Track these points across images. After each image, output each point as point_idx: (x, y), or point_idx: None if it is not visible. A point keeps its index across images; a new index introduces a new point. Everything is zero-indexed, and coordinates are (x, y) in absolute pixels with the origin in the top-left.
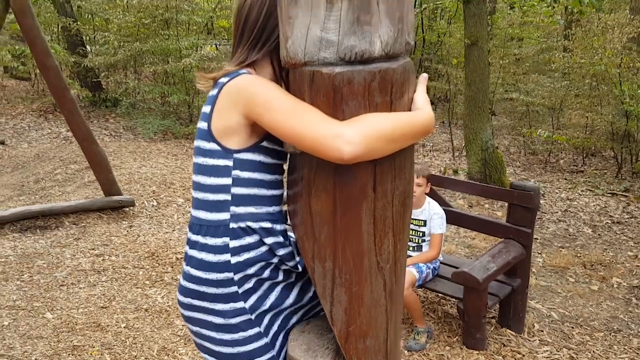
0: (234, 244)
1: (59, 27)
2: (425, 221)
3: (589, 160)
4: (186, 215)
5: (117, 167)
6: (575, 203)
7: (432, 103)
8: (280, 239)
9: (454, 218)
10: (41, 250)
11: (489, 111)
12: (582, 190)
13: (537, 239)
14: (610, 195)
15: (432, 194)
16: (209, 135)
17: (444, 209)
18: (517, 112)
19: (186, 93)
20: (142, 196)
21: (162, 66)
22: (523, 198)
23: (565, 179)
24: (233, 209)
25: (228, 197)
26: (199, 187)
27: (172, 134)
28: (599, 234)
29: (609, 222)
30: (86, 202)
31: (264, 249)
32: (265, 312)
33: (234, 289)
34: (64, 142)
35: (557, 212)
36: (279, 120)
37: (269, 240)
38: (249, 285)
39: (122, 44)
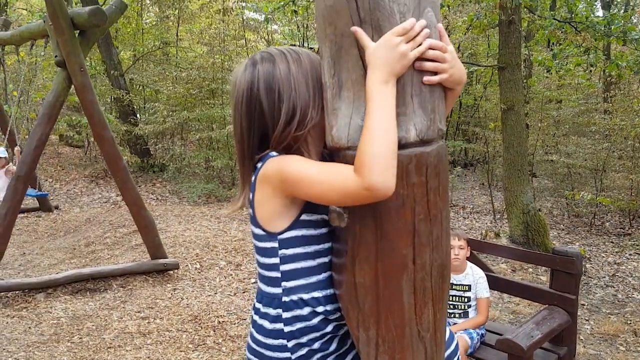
0: (286, 315)
1: (112, 98)
2: (469, 285)
3: (636, 223)
4: (228, 278)
5: (163, 230)
6: (624, 267)
7: (470, 165)
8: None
9: (496, 284)
10: (90, 313)
11: (529, 173)
12: (630, 254)
13: (584, 304)
14: None
15: (473, 259)
16: (255, 221)
17: (486, 274)
18: (559, 174)
19: (229, 158)
20: (186, 259)
21: (207, 133)
22: (565, 264)
23: (612, 242)
24: (284, 284)
25: (278, 274)
26: (258, 264)
27: (215, 197)
28: None
29: None
30: (133, 265)
31: (316, 319)
32: None
33: (287, 354)
34: (113, 206)
35: (604, 277)
36: (313, 190)
37: (321, 308)
38: (301, 352)
39: (170, 112)
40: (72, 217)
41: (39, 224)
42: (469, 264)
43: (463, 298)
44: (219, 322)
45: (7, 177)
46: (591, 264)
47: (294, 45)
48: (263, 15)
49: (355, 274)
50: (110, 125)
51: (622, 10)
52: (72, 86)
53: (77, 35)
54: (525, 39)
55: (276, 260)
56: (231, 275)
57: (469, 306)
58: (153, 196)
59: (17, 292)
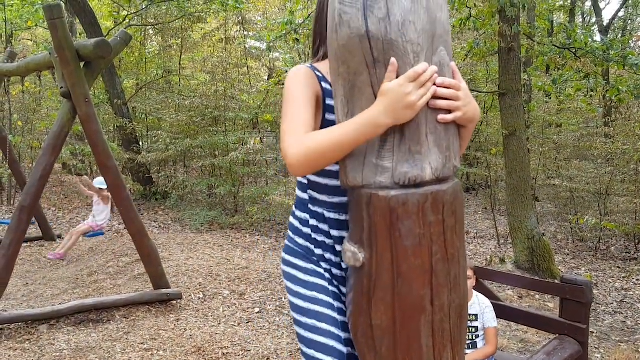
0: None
1: (115, 127)
2: (476, 315)
3: None
4: (231, 308)
5: (166, 259)
6: (631, 293)
7: (472, 189)
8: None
9: (504, 312)
10: (94, 344)
11: (532, 198)
12: (637, 279)
13: (593, 332)
14: None
15: (480, 287)
16: None
17: (493, 303)
18: (562, 198)
19: (232, 184)
20: (189, 288)
21: (210, 160)
22: (575, 292)
23: (618, 267)
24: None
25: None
26: None
27: (219, 224)
28: None
29: None
30: (136, 295)
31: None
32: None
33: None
34: (115, 235)
35: (612, 304)
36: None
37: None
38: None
39: (173, 140)
40: (75, 246)
41: (42, 254)
42: (475, 292)
43: (471, 328)
44: (223, 353)
45: (104, 204)
46: (598, 289)
47: None
48: (265, 44)
49: (372, 316)
50: (113, 154)
51: (620, 35)
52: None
53: (82, 66)
54: (524, 64)
55: None
56: (235, 304)
57: (477, 336)
58: (156, 224)
59: (19, 324)
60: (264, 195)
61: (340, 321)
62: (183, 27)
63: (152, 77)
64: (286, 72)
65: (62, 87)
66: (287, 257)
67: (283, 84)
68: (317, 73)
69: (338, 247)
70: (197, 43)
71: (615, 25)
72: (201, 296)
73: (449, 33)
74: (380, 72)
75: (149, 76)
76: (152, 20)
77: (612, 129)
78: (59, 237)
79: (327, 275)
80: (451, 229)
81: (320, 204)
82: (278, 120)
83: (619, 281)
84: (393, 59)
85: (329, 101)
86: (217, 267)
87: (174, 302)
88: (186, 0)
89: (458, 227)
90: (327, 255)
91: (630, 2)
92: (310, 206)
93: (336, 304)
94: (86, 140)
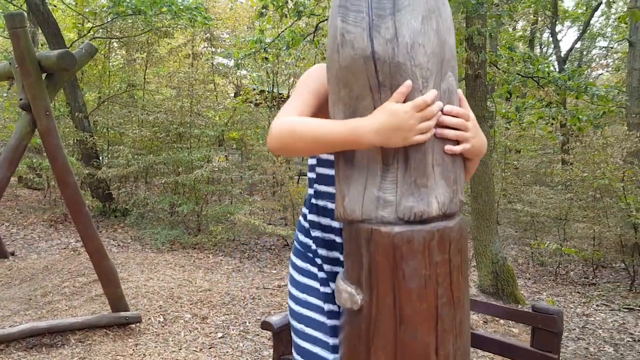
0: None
1: (75, 140)
2: None
3: (599, 272)
4: (193, 332)
5: (125, 279)
6: (592, 319)
7: None
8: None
9: (474, 340)
10: None
11: (496, 222)
12: (597, 305)
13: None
14: (627, 310)
15: None
16: None
17: None
18: (522, 222)
19: (196, 203)
20: (148, 311)
21: (173, 177)
22: (547, 322)
23: (578, 292)
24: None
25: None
26: None
27: (180, 244)
28: (621, 354)
29: (630, 340)
30: (93, 318)
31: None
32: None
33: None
34: (72, 253)
35: (574, 329)
36: None
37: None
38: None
39: (135, 156)
40: (29, 265)
41: None
42: None
43: None
44: None
45: None
46: None
47: (264, 91)
48: (232, 61)
49: None
50: (73, 169)
51: (577, 65)
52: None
53: (44, 78)
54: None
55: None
56: (197, 329)
57: None
58: (114, 242)
59: None
60: (228, 214)
61: (329, 325)
62: (149, 41)
63: (116, 91)
64: (253, 89)
65: (21, 99)
66: (291, 257)
67: (251, 102)
68: None
69: (338, 239)
70: (163, 58)
71: (573, 56)
72: (161, 320)
73: (455, 58)
74: (385, 97)
75: (112, 89)
76: (117, 33)
77: (572, 156)
78: (12, 254)
79: (320, 274)
80: (457, 269)
81: (323, 196)
82: (245, 137)
83: (579, 307)
84: (409, 82)
85: None
86: (179, 289)
87: (133, 325)
88: (154, 15)
89: (464, 266)
90: (320, 251)
91: (586, 35)
92: (313, 200)
93: (327, 306)
94: (44, 154)
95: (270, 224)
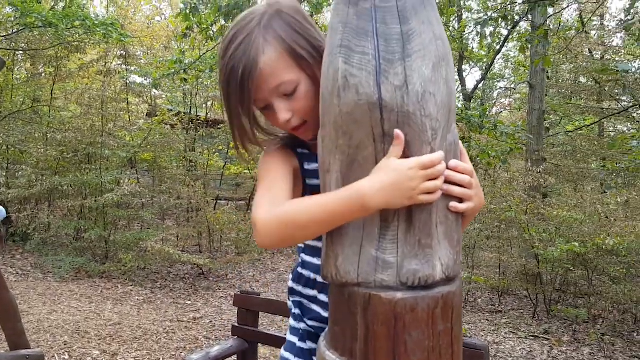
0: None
1: None
2: None
3: (504, 300)
4: None
5: (25, 312)
6: (502, 347)
7: None
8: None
9: None
10: None
11: None
12: (505, 333)
13: None
14: (532, 338)
15: None
16: None
17: None
18: None
19: (104, 228)
20: (52, 348)
21: (81, 200)
22: (475, 357)
23: (487, 319)
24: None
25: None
26: None
27: (87, 272)
28: None
29: None
30: None
31: None
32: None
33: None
34: None
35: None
36: None
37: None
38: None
39: (39, 177)
40: None
41: None
42: None
43: None
44: None
45: None
46: None
47: (180, 112)
48: (148, 80)
49: None
50: None
51: (479, 102)
52: None
53: None
54: None
55: None
56: None
57: None
58: (12, 270)
59: None
60: (139, 241)
61: None
62: (58, 55)
63: (19, 106)
64: (170, 110)
65: None
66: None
67: (166, 123)
68: (288, 141)
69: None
70: (73, 73)
71: (476, 94)
72: (67, 357)
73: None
74: (389, 148)
75: (14, 105)
76: (23, 45)
77: None
78: None
79: (300, 325)
80: (457, 339)
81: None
82: (157, 159)
83: (490, 334)
84: (398, 131)
85: (307, 165)
86: (85, 323)
87: None
88: (65, 29)
89: (461, 335)
90: (306, 292)
91: (489, 74)
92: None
93: None
94: None
95: (185, 252)
